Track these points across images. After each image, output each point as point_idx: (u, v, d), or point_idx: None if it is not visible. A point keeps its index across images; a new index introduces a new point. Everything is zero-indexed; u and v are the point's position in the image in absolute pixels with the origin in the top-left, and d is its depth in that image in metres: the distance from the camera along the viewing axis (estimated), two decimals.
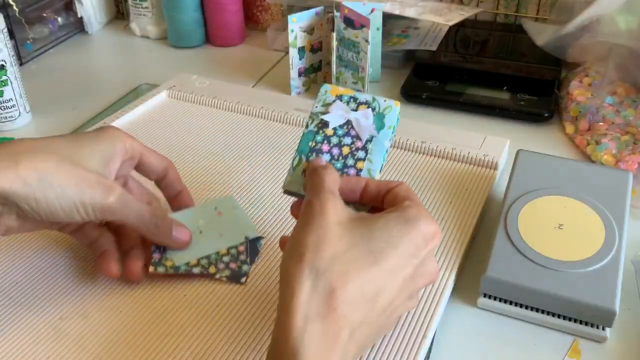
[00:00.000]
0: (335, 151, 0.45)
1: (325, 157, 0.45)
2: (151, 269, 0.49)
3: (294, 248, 0.38)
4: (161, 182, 0.53)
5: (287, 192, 0.46)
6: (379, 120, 0.46)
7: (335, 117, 0.46)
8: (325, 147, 0.46)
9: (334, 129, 0.46)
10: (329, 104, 0.47)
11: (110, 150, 0.47)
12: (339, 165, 0.45)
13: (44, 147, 0.43)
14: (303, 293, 0.35)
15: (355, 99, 0.47)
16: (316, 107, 0.47)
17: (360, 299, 0.36)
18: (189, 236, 0.50)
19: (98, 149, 0.46)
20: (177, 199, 0.53)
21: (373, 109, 0.46)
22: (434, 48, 0.83)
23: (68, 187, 0.42)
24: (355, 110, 0.46)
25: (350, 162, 0.45)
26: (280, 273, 0.38)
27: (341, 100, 0.47)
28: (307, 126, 0.47)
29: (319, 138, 0.46)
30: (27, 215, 0.42)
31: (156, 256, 0.50)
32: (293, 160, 0.46)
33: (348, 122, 0.46)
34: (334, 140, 0.46)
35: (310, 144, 0.46)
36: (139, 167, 0.51)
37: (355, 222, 0.39)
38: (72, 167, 0.42)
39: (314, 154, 0.45)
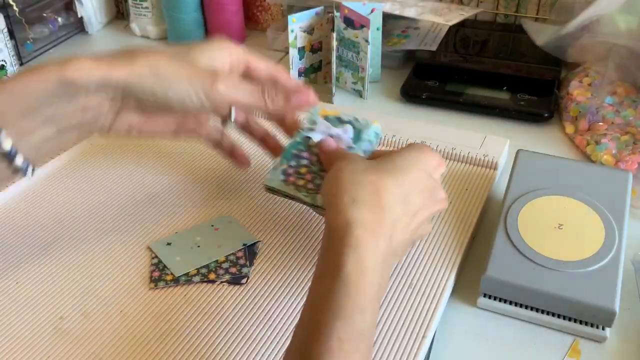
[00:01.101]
0: (314, 158, 0.52)
1: (304, 161, 0.52)
2: (151, 285, 0.49)
3: (329, 178, 0.44)
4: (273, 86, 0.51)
5: (267, 188, 0.51)
6: (357, 135, 0.52)
7: (319, 133, 0.52)
8: (305, 154, 0.52)
9: (317, 142, 0.52)
10: (316, 123, 0.53)
11: (217, 53, 0.48)
12: (315, 168, 0.51)
13: (155, 49, 0.47)
14: (347, 182, 0.42)
15: (340, 119, 0.53)
16: (304, 124, 0.53)
17: (397, 196, 0.42)
18: (312, 96, 0.49)
19: (206, 50, 0.48)
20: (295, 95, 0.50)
21: (354, 127, 0.52)
22: (434, 48, 0.83)
23: (178, 78, 0.45)
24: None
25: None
26: (323, 194, 0.45)
27: (327, 120, 0.53)
28: (294, 138, 0.53)
29: (301, 147, 0.52)
30: (145, 107, 0.46)
31: (155, 274, 0.50)
32: (275, 161, 0.52)
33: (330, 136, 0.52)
34: (315, 149, 0.52)
35: (293, 151, 0.52)
36: (247, 73, 0.51)
37: (376, 159, 0.45)
38: (181, 62, 0.46)
39: (295, 159, 0.52)
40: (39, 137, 0.43)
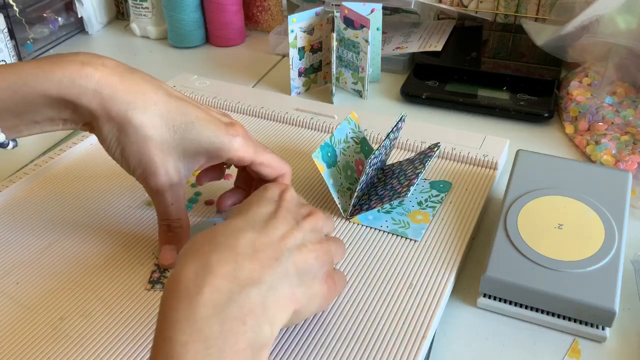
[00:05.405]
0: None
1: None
2: (148, 286, 0.49)
3: None
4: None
5: None
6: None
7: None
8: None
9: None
10: None
11: (216, 159, 0.49)
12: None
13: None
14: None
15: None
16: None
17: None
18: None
19: (203, 154, 0.48)
20: None
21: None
22: (439, 48, 0.83)
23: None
24: None
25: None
26: None
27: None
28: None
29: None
30: None
31: (155, 275, 0.50)
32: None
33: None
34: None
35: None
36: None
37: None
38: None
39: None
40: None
